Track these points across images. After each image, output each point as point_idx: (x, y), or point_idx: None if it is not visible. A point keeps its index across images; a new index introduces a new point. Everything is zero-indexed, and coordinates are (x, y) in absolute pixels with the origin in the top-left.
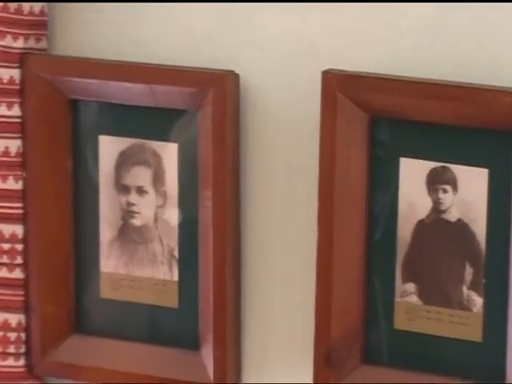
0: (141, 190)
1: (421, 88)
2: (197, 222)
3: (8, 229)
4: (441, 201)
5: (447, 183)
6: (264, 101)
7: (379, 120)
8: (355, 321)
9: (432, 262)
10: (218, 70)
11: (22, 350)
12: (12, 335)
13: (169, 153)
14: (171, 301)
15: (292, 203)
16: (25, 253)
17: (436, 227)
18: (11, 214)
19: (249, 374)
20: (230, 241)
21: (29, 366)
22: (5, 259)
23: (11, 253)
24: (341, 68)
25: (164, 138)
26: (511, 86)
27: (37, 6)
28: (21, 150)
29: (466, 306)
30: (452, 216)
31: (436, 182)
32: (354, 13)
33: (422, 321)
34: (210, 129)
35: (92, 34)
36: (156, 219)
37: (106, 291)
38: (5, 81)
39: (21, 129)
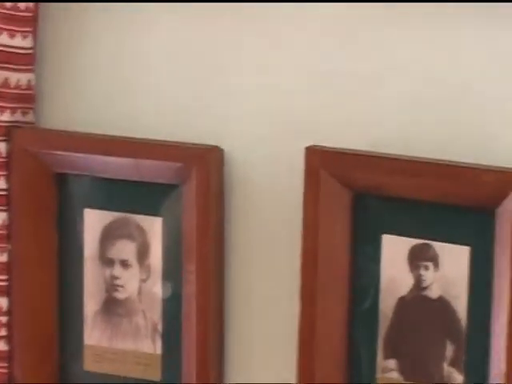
0: (125, 264)
1: (403, 165)
2: (180, 295)
3: None
4: (422, 278)
5: (429, 260)
6: (248, 175)
7: (362, 196)
8: None
9: (413, 338)
10: (202, 145)
11: None
12: None
13: (153, 227)
14: (154, 374)
15: (275, 276)
16: (9, 325)
17: (417, 304)
18: None
19: None
20: (213, 315)
21: None
22: None
23: None
24: (324, 144)
25: (149, 211)
26: (493, 164)
27: (24, 79)
28: (6, 223)
29: (446, 383)
30: (433, 293)
31: (418, 259)
32: (338, 89)
33: None
34: (194, 203)
35: (79, 108)
36: (140, 292)
37: (90, 364)
38: None
39: (6, 201)
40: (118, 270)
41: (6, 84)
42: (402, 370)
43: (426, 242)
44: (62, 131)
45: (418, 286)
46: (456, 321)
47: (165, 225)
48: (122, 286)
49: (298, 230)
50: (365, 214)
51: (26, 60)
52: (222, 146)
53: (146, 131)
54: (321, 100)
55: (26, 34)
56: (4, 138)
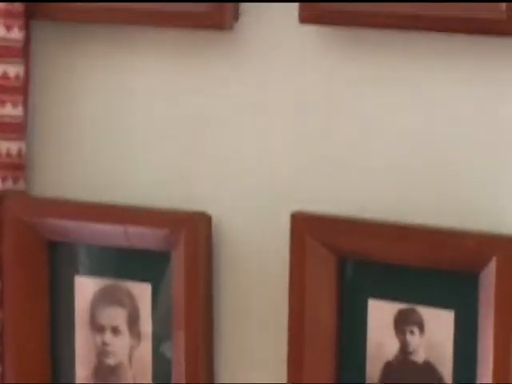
0: (115, 330)
1: (387, 230)
2: (170, 361)
3: None
4: (408, 342)
5: (414, 325)
6: (236, 240)
7: (347, 262)
8: None
9: None
10: (190, 211)
11: None
12: None
13: (143, 293)
14: None
15: (264, 341)
16: None
17: (403, 368)
18: None
19: None
20: (202, 381)
21: None
22: None
23: None
24: (311, 209)
25: (138, 278)
26: (475, 228)
27: (14, 148)
28: None
29: None
30: (419, 357)
31: (403, 323)
32: (325, 155)
33: None
34: (183, 270)
35: (69, 175)
36: (130, 358)
37: None
38: None
39: None
40: (108, 337)
41: None
42: None
43: (412, 306)
44: (52, 199)
45: (404, 350)
46: None
47: (154, 291)
48: (112, 352)
49: (286, 295)
50: (351, 278)
51: (16, 129)
52: (209, 212)
53: (135, 198)
54: (307, 164)
55: (16, 102)
56: None
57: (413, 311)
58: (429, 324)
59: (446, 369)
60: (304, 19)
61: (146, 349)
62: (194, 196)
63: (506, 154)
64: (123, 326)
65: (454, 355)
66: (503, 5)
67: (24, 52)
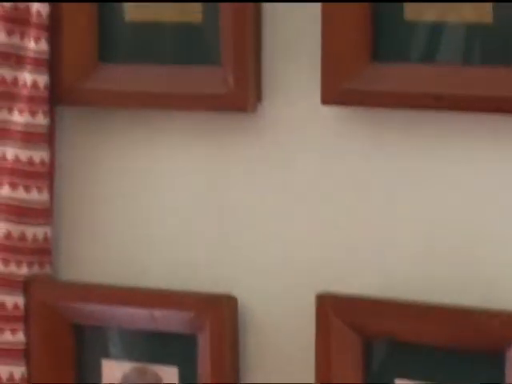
0: None
1: (413, 311)
2: None
3: None
4: None
5: None
6: (262, 322)
7: (374, 342)
8: None
9: None
10: (215, 293)
11: None
12: None
13: (170, 376)
14: None
15: None
16: None
17: None
18: None
19: None
20: None
21: None
22: None
23: None
24: (336, 290)
25: (165, 361)
26: (499, 307)
27: (40, 233)
28: (25, 376)
29: None
30: None
31: None
32: (349, 236)
33: None
34: (209, 353)
35: (95, 260)
36: None
37: None
38: (9, 307)
39: (25, 354)
40: None
41: (23, 238)
42: None
43: None
44: (78, 283)
45: None
46: None
47: (181, 374)
48: None
49: (312, 376)
50: (377, 359)
51: (42, 214)
52: (235, 294)
53: (161, 281)
54: (332, 245)
55: (42, 188)
56: (21, 291)
57: None
58: None
59: None
60: (326, 100)
61: None
62: (219, 278)
63: None
64: None
65: None
66: None
67: (49, 137)
